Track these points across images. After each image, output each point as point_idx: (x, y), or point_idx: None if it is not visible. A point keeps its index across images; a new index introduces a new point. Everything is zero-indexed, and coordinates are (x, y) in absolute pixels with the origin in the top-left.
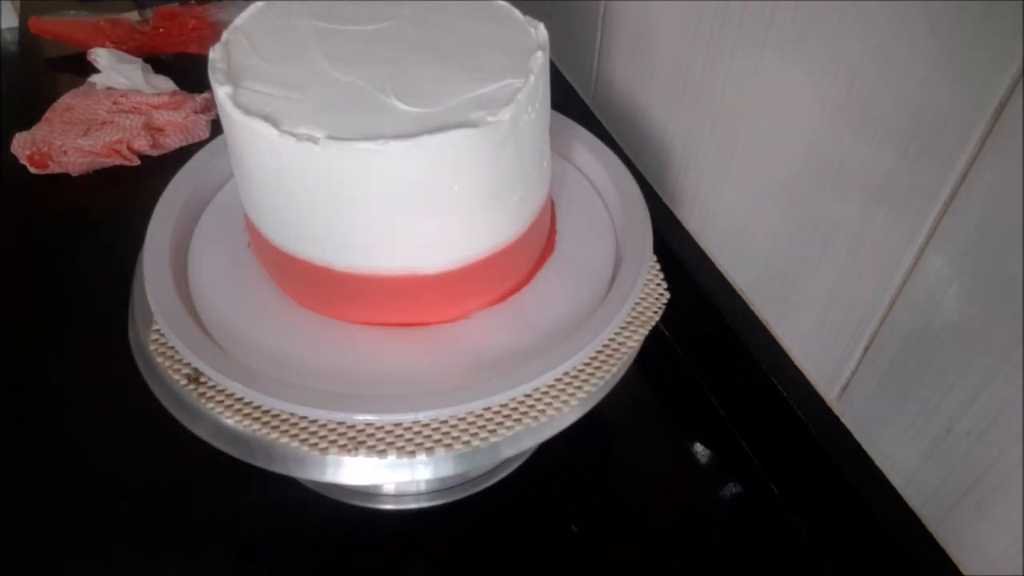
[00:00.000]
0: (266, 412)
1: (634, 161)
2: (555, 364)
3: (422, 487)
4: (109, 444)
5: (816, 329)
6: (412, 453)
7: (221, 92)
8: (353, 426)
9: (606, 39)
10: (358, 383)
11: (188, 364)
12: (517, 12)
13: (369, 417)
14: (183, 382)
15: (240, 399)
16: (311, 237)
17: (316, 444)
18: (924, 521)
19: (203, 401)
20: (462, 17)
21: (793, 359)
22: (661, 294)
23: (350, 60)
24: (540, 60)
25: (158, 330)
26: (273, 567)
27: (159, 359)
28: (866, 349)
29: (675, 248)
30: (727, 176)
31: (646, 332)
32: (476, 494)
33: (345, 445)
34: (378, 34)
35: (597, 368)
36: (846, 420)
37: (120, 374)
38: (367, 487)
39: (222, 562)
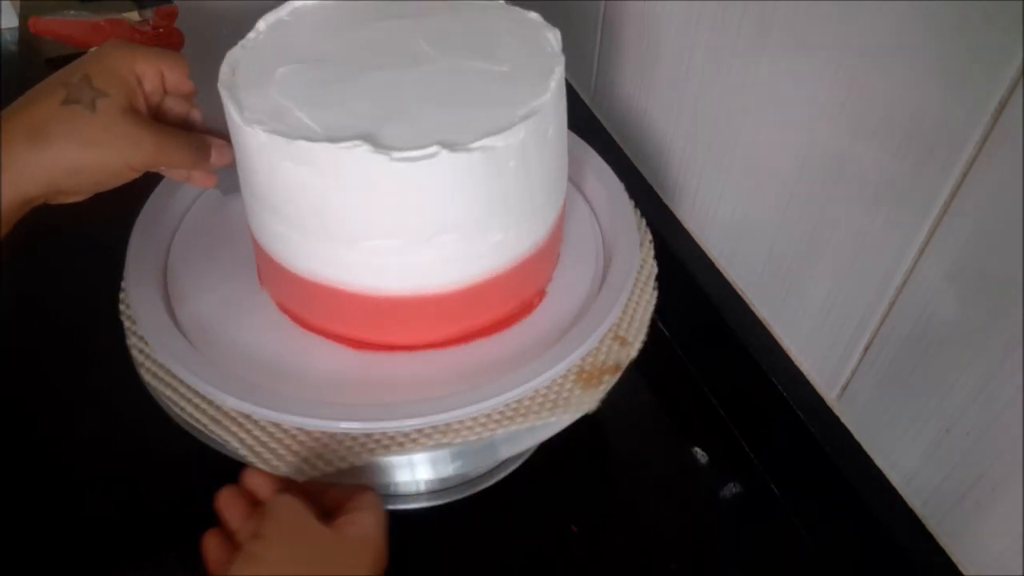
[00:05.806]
0: (211, 403)
1: (634, 161)
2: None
3: (422, 487)
4: (108, 443)
5: (816, 329)
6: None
7: (224, 93)
8: (287, 429)
9: (606, 39)
10: (311, 387)
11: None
12: (552, 39)
13: (351, 425)
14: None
15: (190, 388)
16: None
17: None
18: (924, 521)
19: (147, 378)
20: (485, 37)
21: (793, 359)
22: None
23: (360, 72)
24: (550, 95)
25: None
26: None
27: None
28: (866, 349)
29: (675, 248)
30: (727, 176)
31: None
32: (476, 494)
33: (270, 455)
34: (392, 47)
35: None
36: (846, 420)
37: (118, 372)
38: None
39: None
